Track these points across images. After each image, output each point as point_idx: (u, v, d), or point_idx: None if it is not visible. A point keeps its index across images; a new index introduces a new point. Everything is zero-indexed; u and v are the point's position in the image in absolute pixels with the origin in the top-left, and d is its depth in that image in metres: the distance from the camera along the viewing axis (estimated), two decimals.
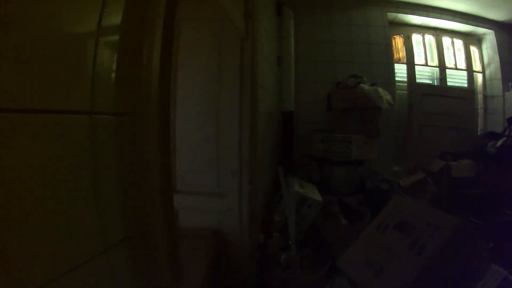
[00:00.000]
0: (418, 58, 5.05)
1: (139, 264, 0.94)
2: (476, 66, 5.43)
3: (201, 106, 2.45)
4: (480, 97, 5.37)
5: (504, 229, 2.86)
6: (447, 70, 5.13)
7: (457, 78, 5.22)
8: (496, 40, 5.14)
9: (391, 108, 4.00)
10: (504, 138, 4.02)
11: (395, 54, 4.92)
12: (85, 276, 0.71)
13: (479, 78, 5.43)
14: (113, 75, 0.81)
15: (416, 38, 5.08)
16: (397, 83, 4.88)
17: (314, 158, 3.83)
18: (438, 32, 5.13)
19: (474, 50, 5.42)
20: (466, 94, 4.98)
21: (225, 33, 2.34)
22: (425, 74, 5.12)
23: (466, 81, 5.26)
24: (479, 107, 5.31)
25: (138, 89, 0.90)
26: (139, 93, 0.89)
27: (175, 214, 1.22)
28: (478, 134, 4.99)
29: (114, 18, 0.81)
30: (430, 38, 5.14)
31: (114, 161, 0.82)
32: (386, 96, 3.75)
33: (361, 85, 3.65)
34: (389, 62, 4.58)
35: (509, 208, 3.24)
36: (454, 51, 5.24)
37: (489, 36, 5.24)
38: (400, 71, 4.96)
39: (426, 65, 5.07)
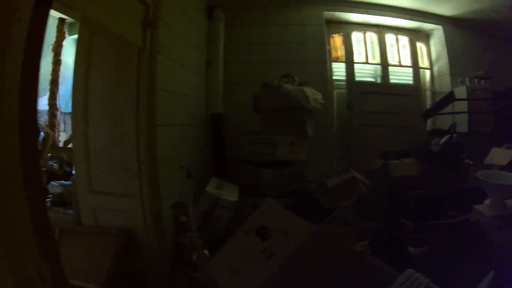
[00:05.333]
0: (359, 56, 5.50)
1: (10, 253, 1.31)
2: (424, 62, 5.91)
3: (106, 112, 2.91)
4: (428, 93, 5.85)
5: (441, 232, 3.01)
6: (390, 67, 5.59)
7: (402, 75, 5.68)
8: (445, 36, 5.64)
9: (324, 108, 4.45)
10: (448, 136, 4.30)
11: (333, 52, 5.39)
12: None
13: (427, 74, 5.92)
14: None
15: (356, 36, 5.54)
16: (336, 82, 5.35)
17: (242, 160, 4.18)
18: (380, 29, 5.58)
19: (421, 46, 5.91)
20: (411, 91, 5.37)
21: (124, 44, 2.77)
22: (366, 72, 5.58)
23: (412, 78, 5.72)
24: (427, 104, 5.76)
25: None
26: None
27: (46, 214, 1.57)
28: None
29: None
30: (372, 36, 5.60)
31: None
32: (315, 95, 4.14)
33: (285, 85, 4.04)
34: (324, 61, 5.00)
35: (452, 209, 3.33)
36: (399, 48, 5.71)
37: (437, 31, 5.74)
38: (339, 69, 5.42)
39: (367, 63, 5.52)
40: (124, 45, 2.78)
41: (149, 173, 2.80)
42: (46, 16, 1.54)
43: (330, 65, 5.34)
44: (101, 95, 2.92)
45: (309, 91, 4.08)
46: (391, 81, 5.60)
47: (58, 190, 3.57)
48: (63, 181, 3.70)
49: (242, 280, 2.05)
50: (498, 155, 3.90)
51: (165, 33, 3.04)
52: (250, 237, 2.24)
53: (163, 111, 2.99)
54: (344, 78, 5.42)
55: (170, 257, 2.99)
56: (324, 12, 5.13)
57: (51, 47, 4.80)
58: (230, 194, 3.59)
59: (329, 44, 5.36)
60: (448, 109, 5.37)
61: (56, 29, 4.80)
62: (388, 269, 2.38)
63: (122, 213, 2.92)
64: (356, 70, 5.48)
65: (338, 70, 5.45)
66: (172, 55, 3.27)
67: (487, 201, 3.07)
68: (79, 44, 3.05)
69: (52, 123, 4.85)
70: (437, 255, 2.71)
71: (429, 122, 5.73)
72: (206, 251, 2.75)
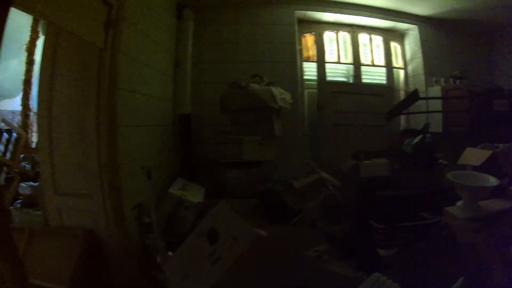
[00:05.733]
0: (330, 56, 5.57)
1: None
2: (398, 62, 6.01)
3: (70, 113, 2.96)
4: (402, 93, 5.92)
5: (411, 234, 3.04)
6: (363, 67, 5.67)
7: (375, 75, 5.77)
8: (420, 35, 5.74)
9: (293, 107, 4.57)
10: (421, 136, 4.22)
11: (304, 52, 5.46)
12: None
13: (401, 74, 6.02)
14: None
15: (329, 35, 5.61)
16: (307, 82, 5.43)
17: (210, 160, 4.24)
18: (354, 28, 5.65)
19: (396, 46, 6.01)
20: (384, 90, 5.44)
21: (87, 44, 2.79)
22: (339, 72, 5.64)
23: (385, 78, 5.81)
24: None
25: None
26: None
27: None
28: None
29: None
30: (345, 35, 5.67)
31: None
32: (282, 95, 4.21)
33: (252, 85, 4.10)
34: (293, 61, 5.05)
35: (425, 210, 3.32)
36: (372, 47, 5.80)
37: (412, 31, 5.84)
38: (311, 69, 5.50)
39: (339, 62, 5.59)
40: (87, 45, 2.81)
41: (110, 174, 2.86)
42: (4, 17, 1.63)
43: (301, 64, 5.42)
44: (66, 95, 2.97)
45: (276, 91, 4.15)
46: (364, 81, 5.67)
47: (28, 191, 3.63)
48: (32, 182, 3.77)
49: (189, 284, 2.09)
50: (472, 155, 3.78)
51: (129, 33, 3.10)
52: (201, 240, 2.27)
53: (126, 111, 3.05)
54: (315, 77, 5.49)
55: (137, 258, 3.04)
56: (296, 11, 5.18)
57: (24, 46, 4.85)
58: (194, 195, 3.64)
59: (300, 44, 5.43)
60: (422, 108, 5.49)
61: (30, 28, 4.84)
62: (351, 274, 2.42)
63: (86, 214, 2.97)
64: (328, 70, 5.54)
65: (310, 69, 5.52)
66: (136, 55, 3.32)
67: (459, 203, 2.95)
68: (45, 43, 3.11)
69: (26, 124, 4.91)
70: (408, 258, 2.74)
71: (403, 121, 5.85)
72: (170, 253, 2.77)
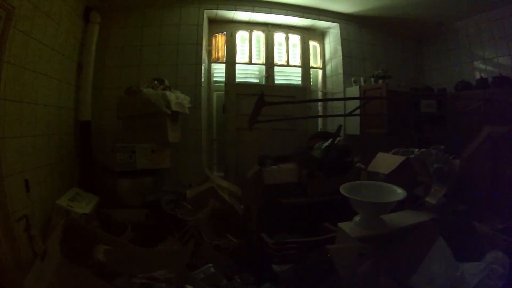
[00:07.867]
0: (242, 56, 5.67)
1: None
2: (317, 61, 6.17)
3: None
4: (320, 94, 6.12)
5: (301, 250, 2.87)
6: (277, 67, 5.80)
7: (290, 76, 5.91)
8: (341, 34, 5.86)
9: (195, 112, 4.79)
10: (331, 139, 4.10)
11: (214, 53, 5.57)
12: None
13: (320, 74, 6.19)
14: None
15: (241, 35, 5.70)
16: (217, 84, 5.56)
17: (104, 169, 4.32)
18: (269, 27, 5.76)
19: (315, 45, 6.16)
20: (296, 91, 5.48)
21: None
22: (251, 73, 5.78)
23: (301, 78, 5.96)
24: (318, 105, 6.05)
25: None
26: None
27: None
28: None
29: None
30: (259, 35, 5.77)
31: None
32: (179, 99, 4.31)
33: (145, 89, 4.16)
34: (198, 62, 5.09)
35: (330, 221, 3.17)
36: (288, 47, 5.93)
37: (333, 29, 5.97)
38: (220, 71, 5.63)
39: (250, 63, 5.71)
40: None
41: None
42: None
43: (210, 66, 5.53)
44: None
45: (172, 95, 4.21)
46: (278, 81, 5.78)
47: None
48: None
49: None
50: (382, 161, 3.62)
51: (19, 43, 3.19)
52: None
53: (11, 123, 3.14)
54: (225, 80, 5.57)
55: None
56: (206, 11, 5.22)
57: None
58: (84, 206, 3.73)
59: (210, 45, 5.53)
60: (338, 111, 5.68)
61: None
62: None
63: None
64: (239, 71, 5.64)
65: (219, 71, 5.64)
66: (28, 64, 3.39)
67: (357, 217, 2.69)
68: None
69: None
70: (300, 276, 2.59)
71: (320, 124, 6.04)
72: None
